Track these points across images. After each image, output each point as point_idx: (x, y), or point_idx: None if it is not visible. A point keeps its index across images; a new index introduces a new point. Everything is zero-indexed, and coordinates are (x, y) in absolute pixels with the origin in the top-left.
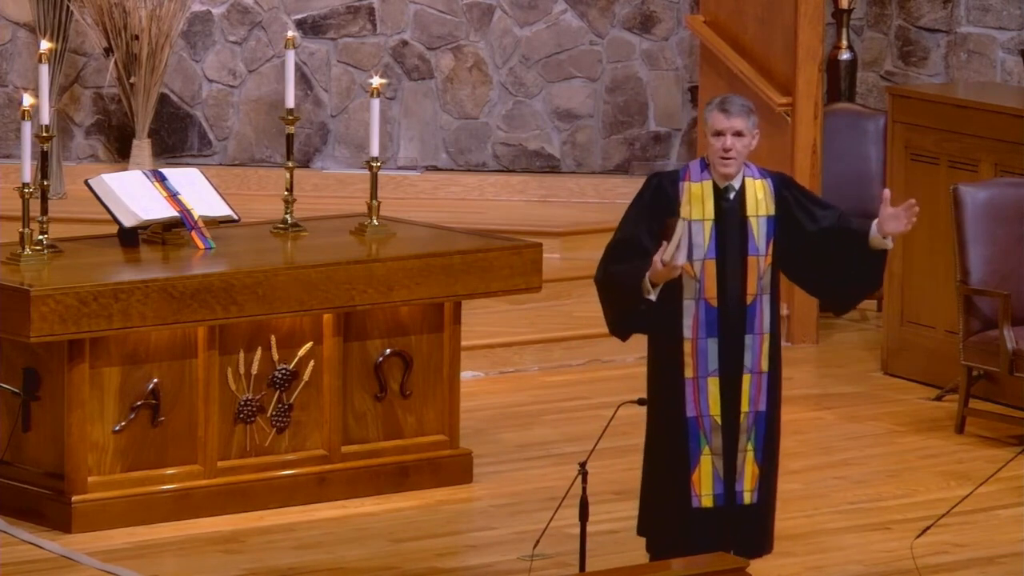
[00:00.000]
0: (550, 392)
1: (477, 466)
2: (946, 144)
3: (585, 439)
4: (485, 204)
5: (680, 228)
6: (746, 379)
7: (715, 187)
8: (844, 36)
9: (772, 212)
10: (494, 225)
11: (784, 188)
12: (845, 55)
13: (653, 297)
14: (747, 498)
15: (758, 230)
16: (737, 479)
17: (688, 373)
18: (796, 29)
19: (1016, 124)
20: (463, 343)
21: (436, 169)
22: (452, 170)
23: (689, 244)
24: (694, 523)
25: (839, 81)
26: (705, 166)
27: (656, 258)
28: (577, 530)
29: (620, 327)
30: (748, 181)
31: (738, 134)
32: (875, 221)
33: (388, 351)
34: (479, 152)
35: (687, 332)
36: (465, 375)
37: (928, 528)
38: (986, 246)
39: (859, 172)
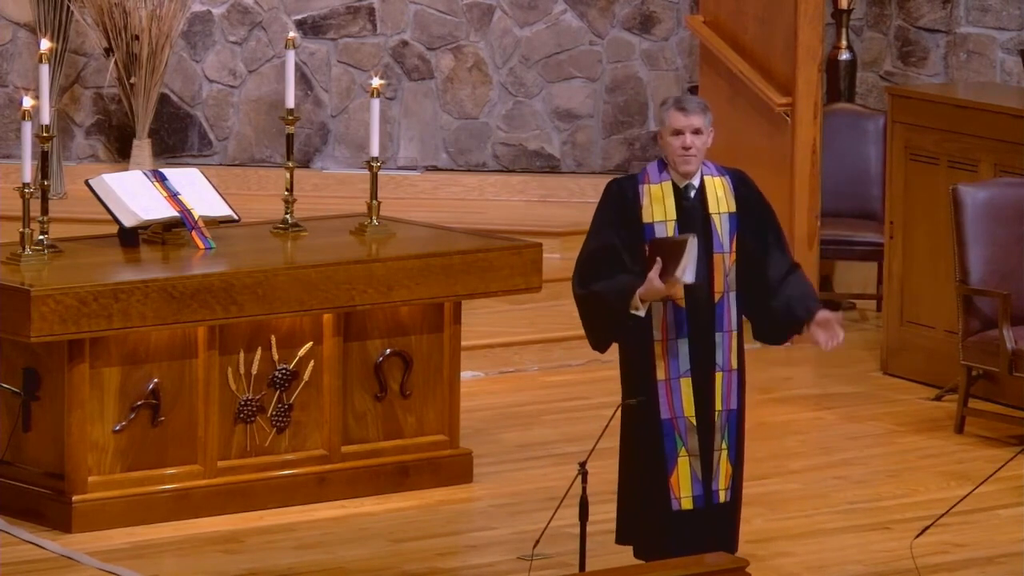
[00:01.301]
0: (550, 392)
1: (477, 466)
2: (946, 144)
3: (585, 439)
4: (485, 204)
5: (692, 245)
6: (718, 377)
7: (675, 187)
8: (844, 36)
9: (734, 209)
10: (494, 225)
11: (742, 186)
12: (845, 55)
13: (642, 313)
14: (722, 496)
15: (721, 227)
16: (713, 478)
17: (660, 375)
18: (796, 29)
19: (1016, 124)
20: (463, 343)
21: (436, 169)
22: (452, 170)
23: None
24: (675, 526)
25: (839, 81)
26: (664, 167)
27: (652, 275)
28: (577, 530)
29: (602, 342)
30: (707, 179)
31: (696, 132)
32: (813, 317)
33: (388, 351)
34: (479, 152)
35: (656, 334)
36: (465, 375)
37: (928, 528)
38: (986, 246)
39: (859, 172)
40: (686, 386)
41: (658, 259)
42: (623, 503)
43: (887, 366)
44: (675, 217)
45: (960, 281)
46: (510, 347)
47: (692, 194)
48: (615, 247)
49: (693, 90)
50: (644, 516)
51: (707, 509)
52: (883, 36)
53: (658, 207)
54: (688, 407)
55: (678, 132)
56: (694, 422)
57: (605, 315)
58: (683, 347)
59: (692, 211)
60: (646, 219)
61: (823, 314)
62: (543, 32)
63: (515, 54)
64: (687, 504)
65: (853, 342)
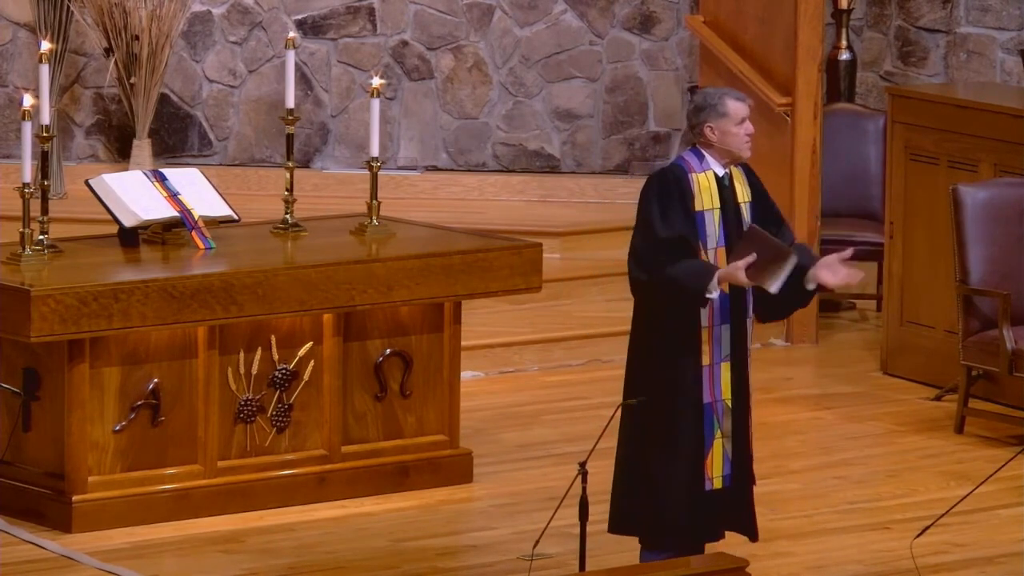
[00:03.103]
0: (550, 392)
1: (477, 466)
2: (946, 144)
3: (585, 439)
4: (485, 204)
5: (791, 263)
6: (748, 362)
7: (715, 176)
8: (844, 36)
9: (750, 198)
10: (494, 225)
11: (752, 175)
12: (845, 55)
13: (715, 296)
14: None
15: (747, 215)
16: (746, 459)
17: (705, 360)
18: (796, 29)
19: (1016, 124)
20: (463, 343)
21: (436, 169)
22: (452, 170)
23: (703, 234)
24: (706, 506)
25: (839, 81)
26: (702, 156)
27: (741, 264)
28: (577, 530)
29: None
30: (733, 169)
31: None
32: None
33: (388, 351)
34: (479, 152)
35: (704, 320)
36: (465, 375)
37: (928, 528)
38: (986, 246)
39: (859, 172)
40: (726, 370)
41: (754, 254)
42: (632, 491)
43: (887, 366)
44: (719, 206)
45: (960, 281)
46: (510, 347)
47: (727, 183)
48: (683, 237)
49: (693, 90)
50: (676, 499)
51: (734, 489)
52: (883, 36)
53: (706, 196)
54: (726, 390)
55: (743, 120)
56: (730, 405)
57: (678, 299)
58: (725, 332)
59: (728, 200)
60: (697, 207)
61: (825, 258)
62: (543, 32)
63: (515, 54)
64: (718, 484)
65: (853, 342)
